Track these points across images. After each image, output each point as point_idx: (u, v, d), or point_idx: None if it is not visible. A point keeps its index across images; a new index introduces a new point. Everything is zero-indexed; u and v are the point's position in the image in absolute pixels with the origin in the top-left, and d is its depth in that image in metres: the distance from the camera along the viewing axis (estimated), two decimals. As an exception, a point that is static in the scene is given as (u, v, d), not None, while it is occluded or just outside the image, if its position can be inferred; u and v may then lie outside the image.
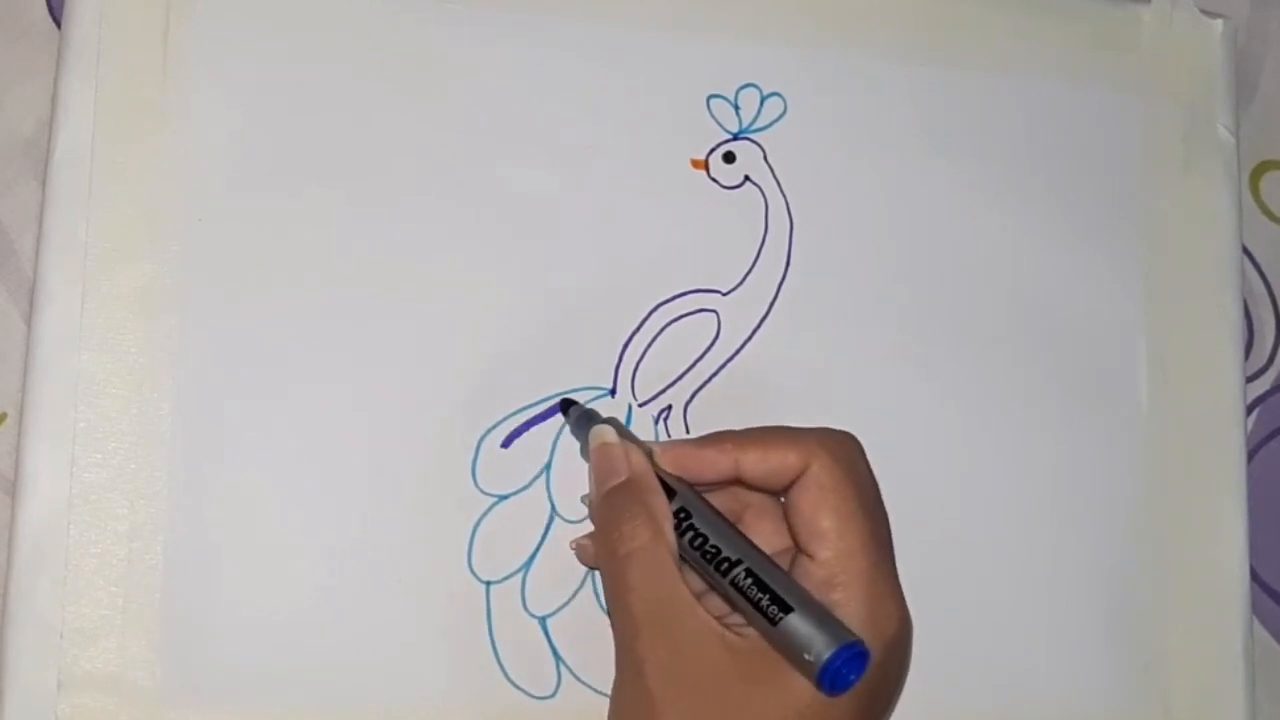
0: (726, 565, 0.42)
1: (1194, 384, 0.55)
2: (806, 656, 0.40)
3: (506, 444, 0.48)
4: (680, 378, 0.51)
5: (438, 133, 0.50)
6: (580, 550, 0.47)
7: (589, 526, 0.47)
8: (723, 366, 0.51)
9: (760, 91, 0.53)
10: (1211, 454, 0.55)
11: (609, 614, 0.44)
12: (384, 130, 0.49)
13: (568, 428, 0.48)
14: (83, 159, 0.47)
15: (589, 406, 0.48)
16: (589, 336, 0.50)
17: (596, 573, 0.48)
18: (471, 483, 0.48)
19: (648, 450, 0.45)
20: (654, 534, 0.43)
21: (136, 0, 0.48)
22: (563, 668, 0.48)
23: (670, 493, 0.44)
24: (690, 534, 0.43)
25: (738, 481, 0.44)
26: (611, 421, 0.46)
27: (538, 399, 0.49)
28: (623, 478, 0.44)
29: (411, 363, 0.48)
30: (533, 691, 0.48)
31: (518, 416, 0.49)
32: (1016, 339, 0.54)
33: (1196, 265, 0.56)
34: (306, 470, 0.47)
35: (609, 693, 0.44)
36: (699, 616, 0.42)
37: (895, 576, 0.43)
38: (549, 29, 0.51)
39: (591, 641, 0.46)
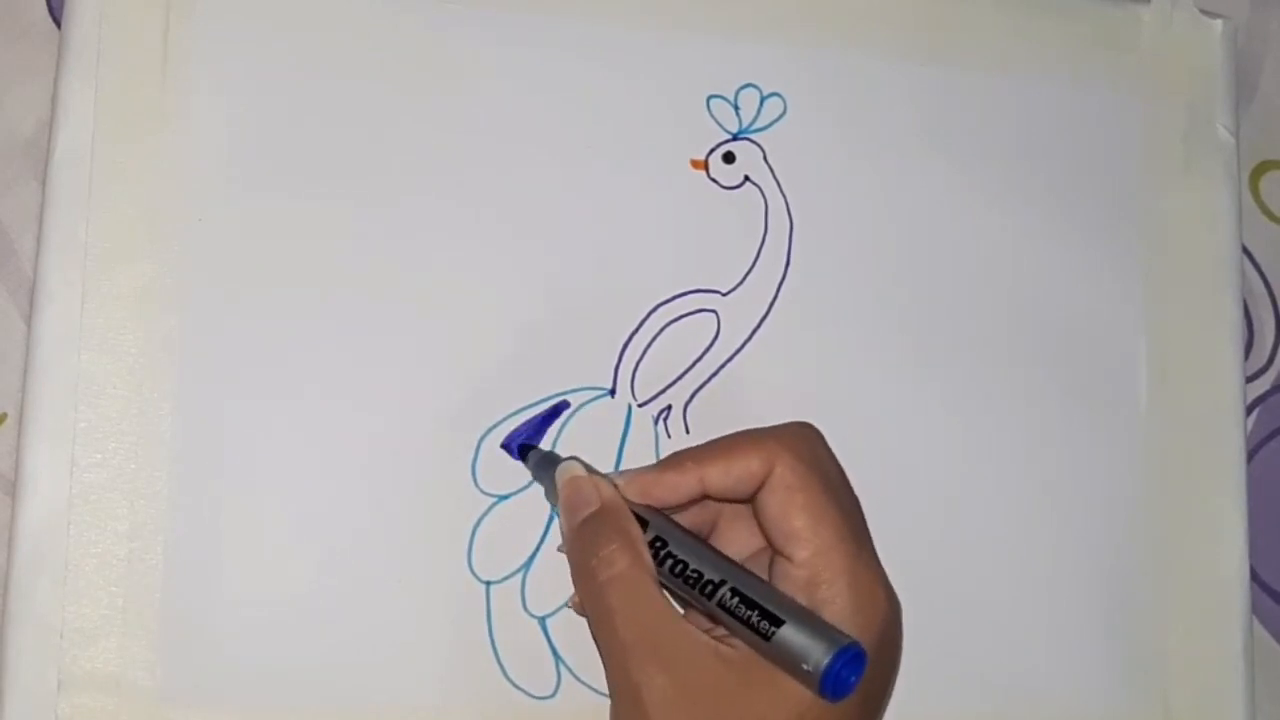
0: (711, 588, 0.42)
1: (1194, 384, 0.55)
2: (805, 667, 0.40)
3: (506, 444, 0.48)
4: (680, 378, 0.51)
5: (438, 133, 0.50)
6: (578, 607, 0.47)
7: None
8: (722, 366, 0.51)
9: (760, 91, 0.53)
10: (1211, 454, 0.55)
11: (596, 643, 0.43)
12: (384, 130, 0.49)
13: (567, 427, 0.48)
14: (83, 159, 0.47)
15: (547, 450, 0.48)
16: (589, 336, 0.50)
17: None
18: (471, 483, 0.48)
19: (612, 484, 0.45)
20: (632, 558, 0.42)
21: (136, 0, 0.48)
22: (563, 668, 0.48)
23: (642, 523, 0.44)
24: (670, 561, 0.43)
25: (705, 497, 0.44)
26: (574, 459, 0.46)
27: (538, 399, 0.49)
28: (595, 507, 0.44)
29: (411, 363, 0.48)
30: (533, 691, 0.48)
31: (518, 416, 0.49)
32: (1016, 339, 0.54)
33: (1196, 265, 0.56)
34: (306, 470, 0.47)
35: (608, 693, 0.43)
36: (689, 633, 0.41)
37: (875, 561, 0.43)
38: (549, 29, 0.51)
39: (591, 641, 0.46)
